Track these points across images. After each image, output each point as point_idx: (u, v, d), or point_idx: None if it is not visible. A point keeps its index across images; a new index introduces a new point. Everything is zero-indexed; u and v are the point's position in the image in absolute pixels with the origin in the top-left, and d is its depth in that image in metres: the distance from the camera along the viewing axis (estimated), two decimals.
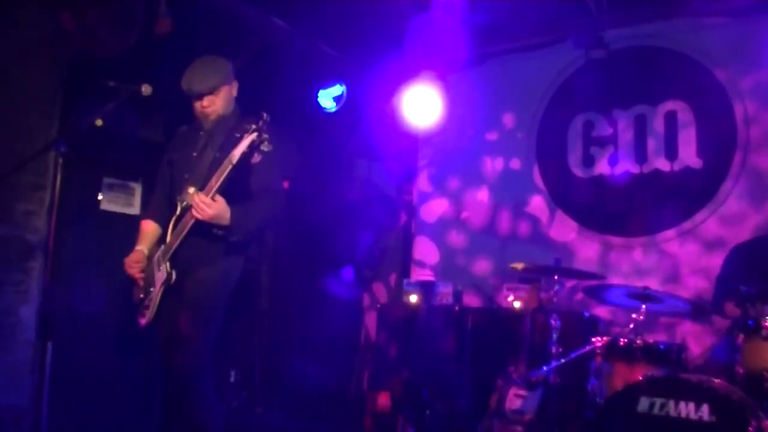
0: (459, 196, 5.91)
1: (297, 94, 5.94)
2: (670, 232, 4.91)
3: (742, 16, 4.77)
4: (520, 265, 4.11)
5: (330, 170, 6.48)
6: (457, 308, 5.05)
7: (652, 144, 5.07)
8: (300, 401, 5.42)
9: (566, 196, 5.40)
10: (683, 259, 4.82)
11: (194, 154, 3.38)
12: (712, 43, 4.91)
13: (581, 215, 5.31)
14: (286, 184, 5.65)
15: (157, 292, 3.26)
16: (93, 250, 4.93)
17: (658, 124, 5.07)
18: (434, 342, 4.98)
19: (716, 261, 4.38)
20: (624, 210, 5.12)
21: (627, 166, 5.15)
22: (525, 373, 3.93)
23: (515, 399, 3.88)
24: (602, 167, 5.26)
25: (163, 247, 3.32)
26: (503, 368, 4.07)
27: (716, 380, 3.04)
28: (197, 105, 3.37)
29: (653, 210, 4.98)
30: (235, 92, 3.48)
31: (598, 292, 4.03)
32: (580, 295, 4.90)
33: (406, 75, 5.79)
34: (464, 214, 5.85)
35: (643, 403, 3.05)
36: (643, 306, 3.60)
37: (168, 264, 3.24)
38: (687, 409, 2.94)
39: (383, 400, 4.79)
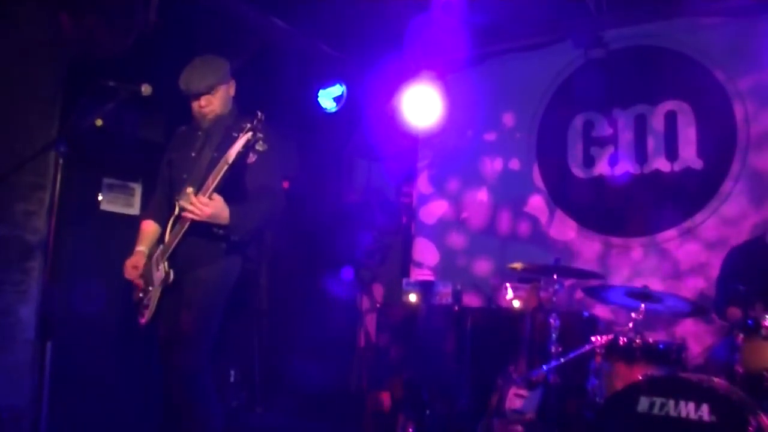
0: (459, 196, 5.91)
1: (297, 94, 5.94)
2: (670, 232, 4.91)
3: (742, 16, 4.77)
4: (519, 265, 4.11)
5: (330, 170, 6.48)
6: (456, 308, 5.05)
7: (652, 144, 5.08)
8: (300, 401, 5.41)
9: (566, 196, 5.40)
10: (683, 259, 4.82)
11: (192, 154, 3.39)
12: (712, 43, 4.91)
13: (581, 215, 5.31)
14: (286, 184, 5.67)
15: (155, 291, 3.27)
16: (93, 250, 4.93)
17: (658, 124, 5.07)
18: (434, 342, 4.98)
19: (716, 261, 4.38)
20: (624, 210, 5.12)
21: (627, 166, 5.15)
22: (525, 372, 3.93)
23: (515, 398, 3.88)
24: (602, 167, 5.26)
25: (161, 246, 3.32)
26: (503, 368, 4.07)
27: (716, 380, 3.04)
28: (195, 105, 3.37)
29: (653, 210, 4.98)
30: (232, 92, 3.48)
31: (598, 292, 4.02)
32: (579, 295, 4.90)
33: (406, 75, 5.80)
34: (464, 214, 5.85)
35: (643, 403, 3.05)
36: (643, 305, 3.60)
37: (166, 263, 3.24)
38: (687, 409, 2.94)
39: (383, 399, 4.79)
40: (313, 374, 5.34)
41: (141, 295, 3.34)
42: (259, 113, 3.02)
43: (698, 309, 3.82)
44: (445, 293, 5.15)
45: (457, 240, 5.86)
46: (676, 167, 4.97)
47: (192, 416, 3.19)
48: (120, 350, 4.86)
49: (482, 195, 5.80)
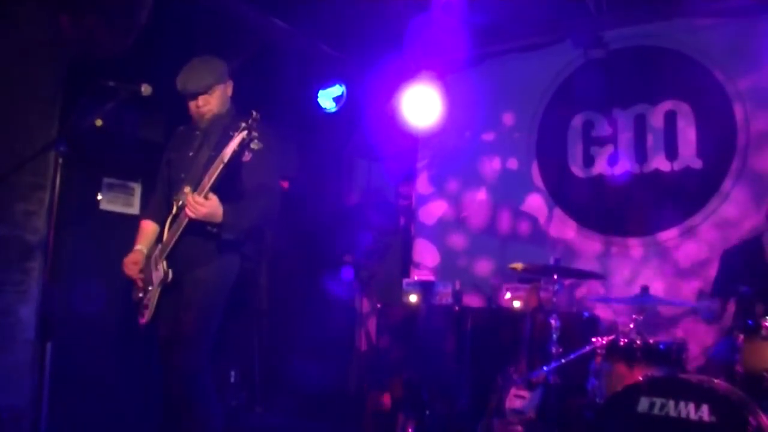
0: (458, 196, 5.91)
1: (297, 94, 5.94)
2: (670, 232, 4.91)
3: (742, 16, 4.78)
4: (519, 266, 4.11)
5: (330, 170, 6.48)
6: (456, 308, 5.06)
7: (651, 144, 5.07)
8: (300, 401, 5.41)
9: (566, 195, 5.40)
10: (683, 259, 4.82)
11: (190, 153, 3.39)
12: (711, 43, 4.91)
13: (581, 215, 5.31)
14: (285, 185, 5.67)
15: (154, 291, 3.27)
16: (93, 250, 4.92)
17: (657, 124, 5.07)
18: (434, 342, 4.98)
19: (716, 261, 4.37)
20: (624, 210, 5.12)
21: (627, 165, 5.15)
22: (525, 373, 3.93)
23: (515, 399, 3.88)
24: (602, 167, 5.26)
25: (159, 246, 3.33)
26: (503, 368, 4.07)
27: (716, 380, 3.04)
28: (192, 105, 3.38)
29: (653, 210, 4.98)
30: (230, 92, 3.48)
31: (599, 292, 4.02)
32: (579, 294, 4.91)
33: (406, 75, 5.80)
34: (464, 213, 5.85)
35: (643, 403, 3.05)
36: (643, 306, 3.60)
37: (165, 263, 3.25)
38: (687, 409, 2.94)
39: (383, 399, 4.79)
40: (313, 374, 5.34)
41: (141, 295, 3.35)
42: (254, 112, 3.03)
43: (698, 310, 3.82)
44: (445, 293, 5.15)
45: (457, 240, 5.86)
46: (676, 167, 4.97)
47: (192, 416, 3.19)
48: (120, 350, 4.85)
49: (482, 195, 5.80)
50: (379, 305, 5.47)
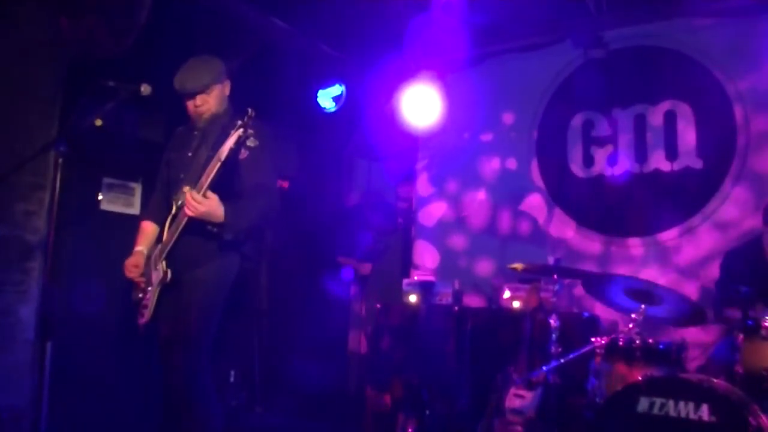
0: (458, 196, 5.91)
1: (297, 94, 5.94)
2: (669, 232, 4.91)
3: (742, 16, 4.77)
4: (519, 266, 4.10)
5: (329, 171, 6.48)
6: (456, 308, 5.06)
7: (651, 144, 5.07)
8: (300, 401, 5.42)
9: (566, 195, 5.40)
10: (683, 259, 4.82)
11: (189, 153, 3.39)
12: (711, 43, 4.91)
13: (581, 215, 5.31)
14: (285, 184, 5.68)
15: (154, 291, 3.27)
16: (93, 250, 4.93)
17: (657, 124, 5.07)
18: (434, 342, 4.98)
19: (716, 261, 4.37)
20: (624, 209, 5.12)
21: (627, 165, 5.15)
22: (525, 372, 3.93)
23: (515, 398, 3.88)
24: (602, 167, 5.26)
25: (159, 246, 3.33)
26: (503, 368, 4.07)
27: (716, 380, 3.04)
28: (190, 104, 3.38)
29: (653, 210, 4.98)
30: (227, 91, 3.48)
31: (598, 287, 3.98)
32: (579, 294, 4.90)
33: (406, 75, 5.80)
34: (464, 212, 5.85)
35: (643, 403, 3.05)
36: (643, 306, 3.60)
37: (164, 263, 3.25)
38: (686, 409, 2.94)
39: (383, 399, 4.79)
40: (313, 374, 5.34)
41: (140, 295, 3.35)
42: (250, 110, 3.02)
43: (698, 310, 3.81)
44: (445, 293, 5.15)
45: (457, 241, 5.86)
46: (676, 167, 4.97)
47: (192, 416, 3.19)
48: (120, 350, 4.85)
49: (482, 195, 5.80)
50: (378, 305, 5.48)
